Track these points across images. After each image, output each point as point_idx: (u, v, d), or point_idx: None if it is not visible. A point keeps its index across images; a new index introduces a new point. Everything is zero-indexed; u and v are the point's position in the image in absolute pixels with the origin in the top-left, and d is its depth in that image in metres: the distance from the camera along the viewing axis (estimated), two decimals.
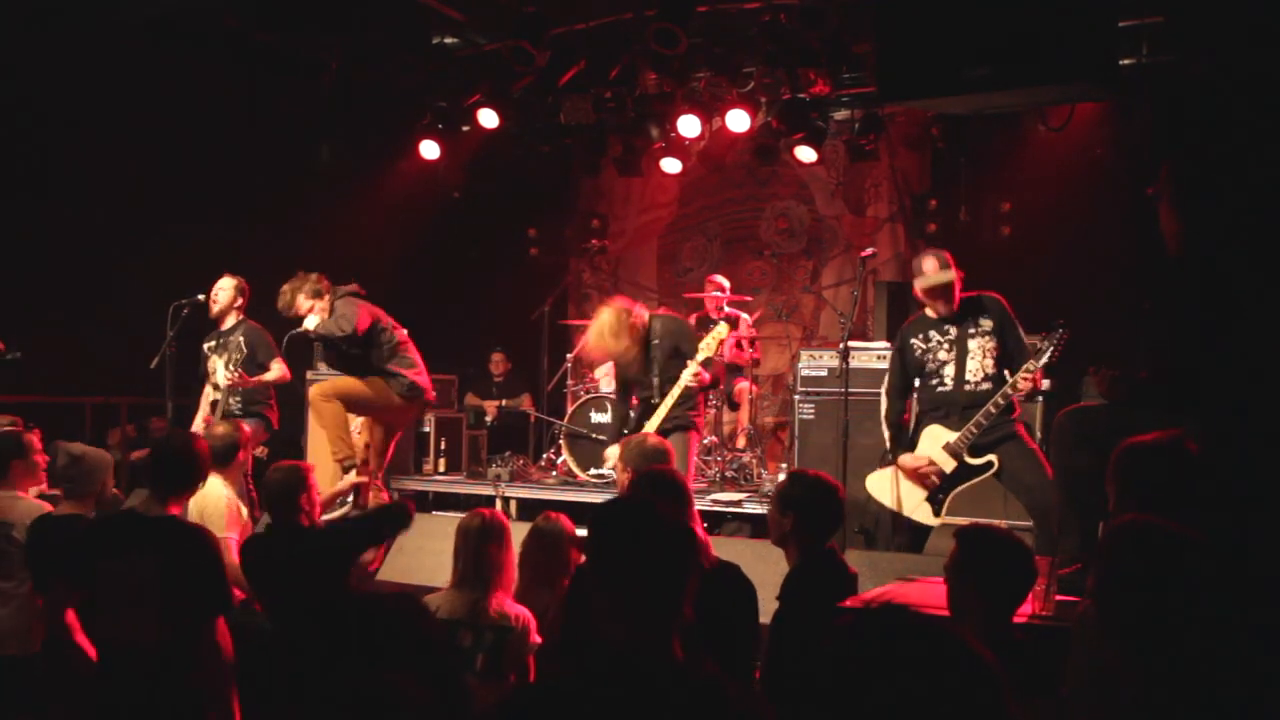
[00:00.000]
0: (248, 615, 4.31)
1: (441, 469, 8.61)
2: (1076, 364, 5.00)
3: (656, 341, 5.75)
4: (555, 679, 2.11)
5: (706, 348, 5.54)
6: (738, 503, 6.88)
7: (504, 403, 9.92)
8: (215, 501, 4.63)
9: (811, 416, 7.08)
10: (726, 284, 8.50)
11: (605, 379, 8.01)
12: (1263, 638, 2.39)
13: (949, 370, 5.09)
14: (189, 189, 7.97)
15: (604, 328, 5.64)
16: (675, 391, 5.60)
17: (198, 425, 6.68)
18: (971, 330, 5.06)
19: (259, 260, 7.02)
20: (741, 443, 8.25)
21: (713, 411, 7.87)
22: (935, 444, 5.08)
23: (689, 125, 8.61)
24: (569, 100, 8.48)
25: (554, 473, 8.02)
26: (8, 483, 4.44)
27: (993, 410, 4.88)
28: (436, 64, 8.76)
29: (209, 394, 6.67)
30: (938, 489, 5.08)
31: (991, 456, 4.95)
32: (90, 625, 3.85)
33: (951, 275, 5.03)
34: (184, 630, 3.51)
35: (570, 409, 8.10)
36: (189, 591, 3.52)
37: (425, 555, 6.15)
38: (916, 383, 5.24)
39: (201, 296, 6.63)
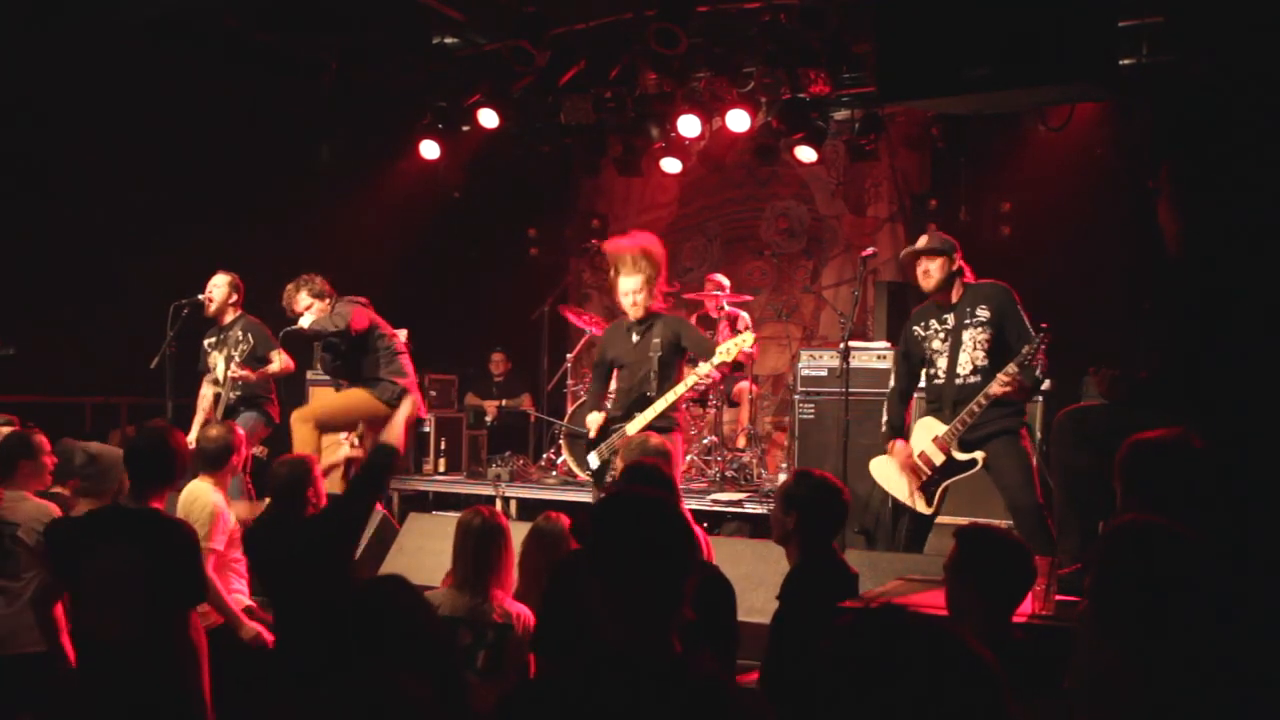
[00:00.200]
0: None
1: (441, 469, 8.62)
2: (1076, 364, 5.00)
3: (658, 340, 5.66)
4: (555, 677, 2.11)
5: (726, 351, 5.51)
6: (738, 503, 6.88)
7: (504, 403, 9.92)
8: (201, 510, 4.52)
9: (811, 416, 7.08)
10: (726, 283, 8.50)
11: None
12: (1262, 638, 2.39)
13: (942, 362, 5.07)
14: (189, 189, 7.97)
15: (641, 276, 5.68)
16: (681, 389, 5.52)
17: (198, 422, 6.71)
18: (968, 320, 5.02)
19: (259, 260, 7.03)
20: (741, 443, 8.25)
21: (713, 411, 7.87)
22: (927, 436, 5.09)
23: (689, 125, 8.62)
24: (569, 100, 8.48)
25: (554, 473, 8.02)
26: (14, 483, 4.45)
27: (975, 409, 4.86)
28: (436, 64, 8.76)
29: (207, 390, 6.69)
30: (928, 481, 5.08)
31: (977, 454, 4.93)
32: (74, 621, 3.91)
33: (936, 243, 5.05)
34: (162, 621, 3.57)
35: (570, 409, 8.09)
36: (166, 582, 3.59)
37: (425, 555, 6.15)
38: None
39: (201, 296, 6.65)
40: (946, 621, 1.86)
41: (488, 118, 8.88)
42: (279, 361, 6.60)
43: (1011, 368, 4.76)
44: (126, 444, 4.20)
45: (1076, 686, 2.27)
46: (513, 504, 7.48)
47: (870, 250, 6.19)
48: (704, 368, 5.48)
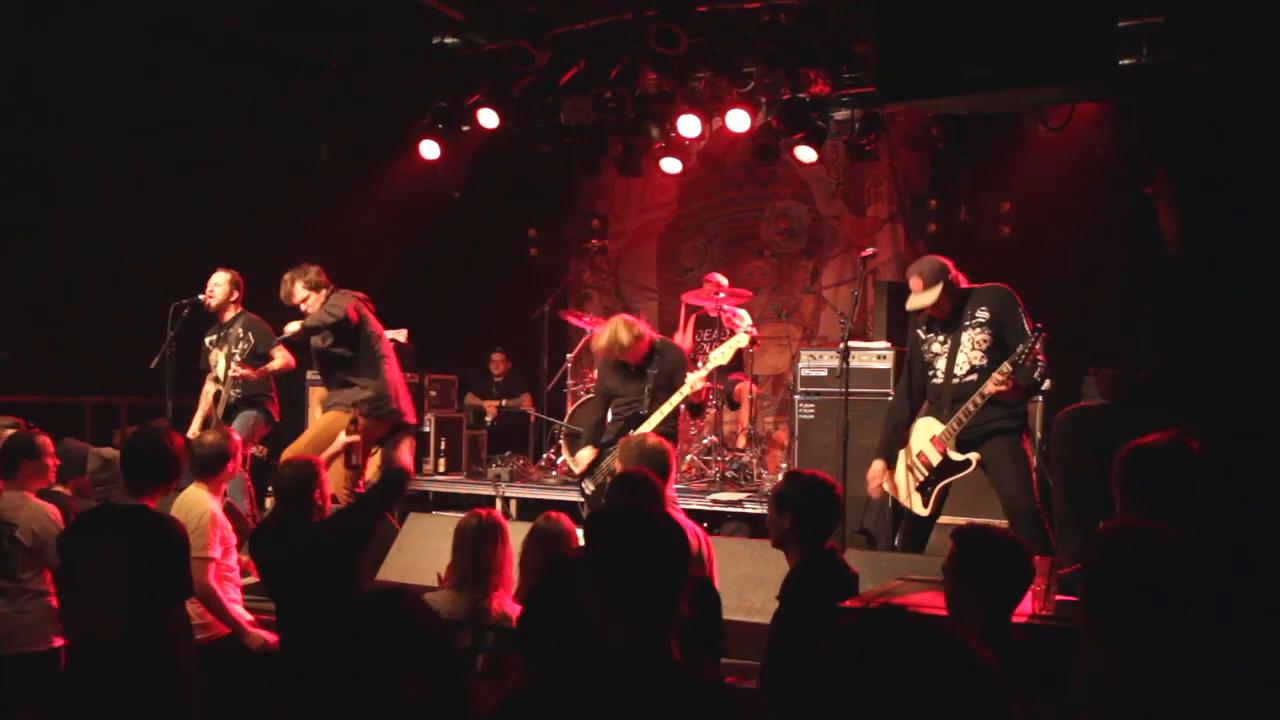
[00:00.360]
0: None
1: (441, 469, 8.62)
2: (1076, 364, 4.99)
3: (655, 372, 5.75)
4: (555, 680, 2.11)
5: (721, 355, 5.53)
6: (738, 503, 6.88)
7: (504, 403, 9.92)
8: (199, 519, 4.42)
9: (811, 416, 7.08)
10: (725, 282, 8.50)
11: None
12: (1262, 638, 2.39)
13: (941, 363, 5.08)
14: (189, 189, 7.97)
15: (617, 332, 5.70)
16: (674, 400, 5.60)
17: (198, 419, 6.72)
18: (967, 322, 5.02)
19: (259, 260, 7.03)
20: (741, 443, 8.25)
21: (713, 411, 7.87)
22: (925, 436, 5.09)
23: (689, 125, 8.61)
24: (569, 100, 8.48)
25: (554, 473, 8.02)
26: (15, 483, 4.46)
27: (971, 409, 4.85)
28: (436, 64, 8.76)
29: (209, 388, 6.70)
30: (925, 481, 5.08)
31: (973, 455, 4.93)
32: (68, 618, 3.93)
33: (932, 297, 5.01)
34: (150, 617, 3.59)
35: (570, 409, 8.10)
36: (153, 578, 3.61)
37: (425, 555, 6.14)
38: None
39: (201, 296, 6.66)
40: (946, 621, 1.86)
41: (488, 118, 8.88)
42: (280, 359, 6.60)
43: (1006, 366, 4.75)
44: (124, 443, 4.21)
45: (1079, 687, 2.27)
46: (513, 504, 7.47)
47: (870, 250, 6.18)
48: (693, 377, 5.62)
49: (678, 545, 2.09)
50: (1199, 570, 2.12)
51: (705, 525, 5.86)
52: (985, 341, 4.96)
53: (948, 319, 5.08)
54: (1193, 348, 3.60)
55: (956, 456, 4.97)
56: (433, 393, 9.17)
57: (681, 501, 5.84)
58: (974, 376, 4.95)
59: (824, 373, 7.06)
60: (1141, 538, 2.19)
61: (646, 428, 5.54)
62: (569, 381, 8.74)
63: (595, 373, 8.51)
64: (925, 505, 5.11)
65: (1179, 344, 3.70)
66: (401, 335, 8.84)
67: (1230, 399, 3.43)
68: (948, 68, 4.96)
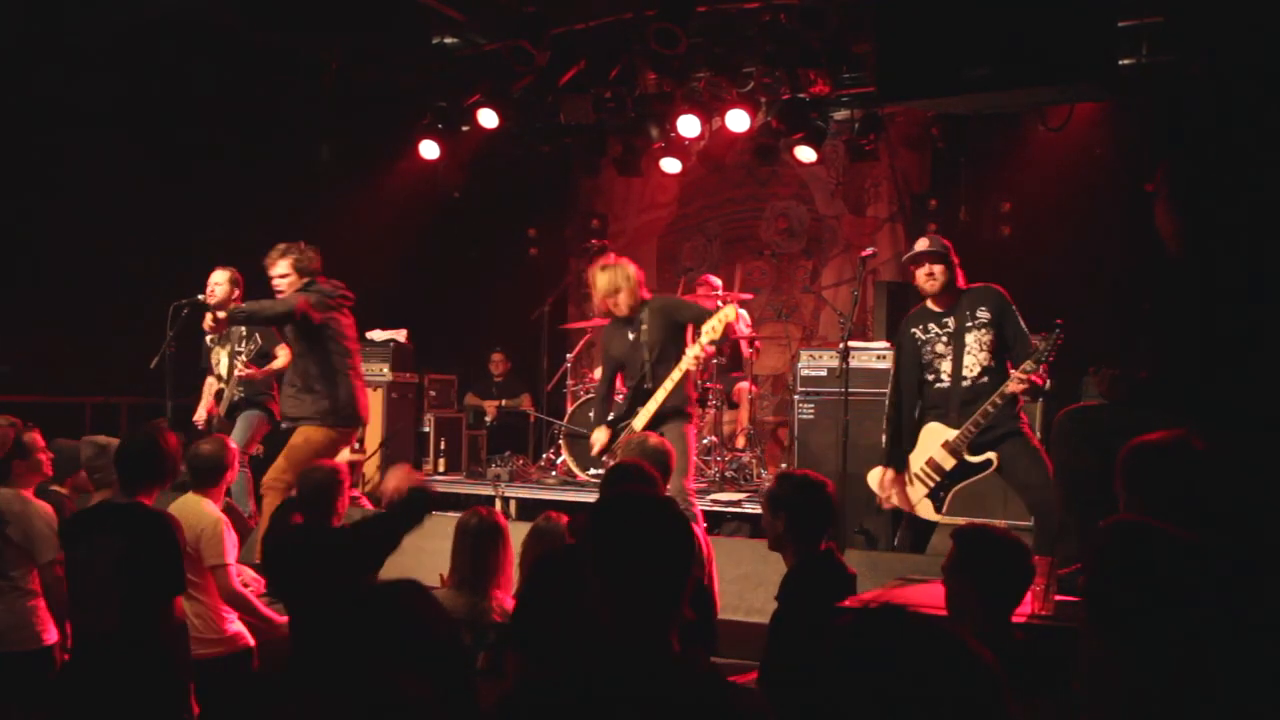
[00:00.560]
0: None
1: (441, 469, 8.62)
2: (1076, 364, 4.99)
3: (646, 327, 5.54)
4: (555, 675, 2.11)
5: (712, 330, 5.45)
6: (738, 503, 6.88)
7: (504, 403, 9.92)
8: (211, 526, 4.39)
9: (811, 416, 7.08)
10: (719, 282, 8.51)
11: None
12: (1261, 638, 2.39)
13: (946, 366, 5.06)
14: (189, 189, 7.97)
15: (617, 277, 5.50)
16: (676, 374, 5.46)
17: (200, 416, 6.71)
18: (969, 323, 5.01)
19: (259, 260, 7.02)
20: (741, 443, 8.25)
21: (713, 411, 7.87)
22: (935, 442, 5.06)
23: (689, 125, 8.61)
24: (569, 100, 8.48)
25: (554, 473, 8.02)
26: (10, 483, 4.47)
27: (990, 410, 4.84)
28: (436, 64, 8.77)
29: (211, 385, 6.70)
30: (937, 486, 5.05)
31: (991, 454, 4.91)
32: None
33: (932, 248, 5.02)
34: (145, 612, 3.62)
35: (570, 409, 8.10)
36: (148, 573, 3.64)
37: (425, 555, 6.11)
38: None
39: (201, 296, 6.64)
40: (946, 621, 1.86)
41: (488, 118, 8.88)
42: (283, 357, 6.57)
43: (1029, 364, 4.74)
44: (121, 443, 4.20)
45: (1079, 687, 2.27)
46: (512, 504, 7.46)
47: (870, 250, 6.17)
48: (692, 350, 5.45)
49: (682, 537, 2.09)
50: (1200, 569, 2.12)
51: (705, 525, 5.86)
52: (991, 342, 4.96)
53: (947, 319, 5.07)
54: (1192, 348, 3.60)
55: (975, 459, 4.94)
56: (432, 393, 9.17)
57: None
58: (985, 378, 4.94)
59: (824, 373, 7.06)
60: (1142, 536, 2.19)
61: (653, 405, 5.43)
62: (569, 382, 8.74)
63: (596, 372, 8.55)
64: (938, 511, 5.08)
65: (1179, 344, 3.70)
66: (401, 335, 8.85)
67: (1230, 399, 3.43)
68: (948, 68, 4.96)
